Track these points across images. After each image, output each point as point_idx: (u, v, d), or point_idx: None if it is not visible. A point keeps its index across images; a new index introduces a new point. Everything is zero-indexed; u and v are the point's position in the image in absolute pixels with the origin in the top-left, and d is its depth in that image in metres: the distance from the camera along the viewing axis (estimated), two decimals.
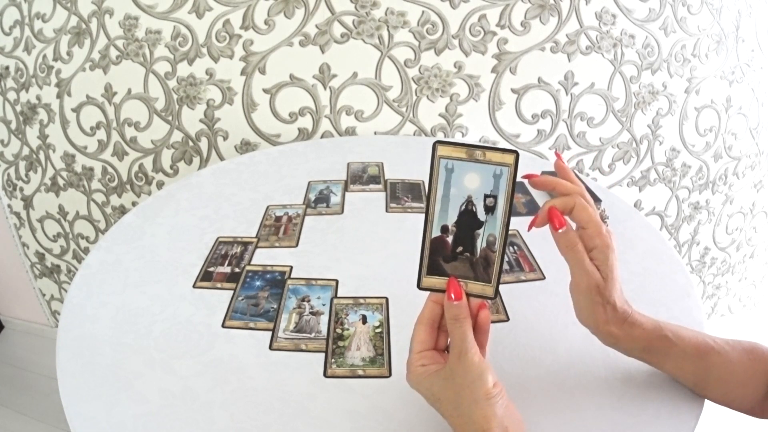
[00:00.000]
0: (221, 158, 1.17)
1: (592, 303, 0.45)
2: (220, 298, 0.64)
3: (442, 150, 0.43)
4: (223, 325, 0.60)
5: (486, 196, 0.43)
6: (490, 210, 0.43)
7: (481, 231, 0.44)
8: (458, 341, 0.42)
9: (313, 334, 0.59)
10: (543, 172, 0.90)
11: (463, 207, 0.43)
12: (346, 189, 0.88)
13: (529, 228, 0.48)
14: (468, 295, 0.44)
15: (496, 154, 0.42)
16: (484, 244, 0.44)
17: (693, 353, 0.48)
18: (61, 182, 1.30)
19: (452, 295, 0.43)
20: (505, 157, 0.42)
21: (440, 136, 1.14)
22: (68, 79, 1.15)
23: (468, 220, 0.44)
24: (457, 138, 1.15)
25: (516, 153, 0.42)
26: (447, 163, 0.43)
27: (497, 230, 0.44)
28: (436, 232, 0.44)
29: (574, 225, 0.47)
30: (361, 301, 0.64)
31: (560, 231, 0.45)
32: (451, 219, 0.44)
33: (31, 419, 1.37)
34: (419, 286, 0.45)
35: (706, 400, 0.50)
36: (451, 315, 0.43)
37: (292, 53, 1.06)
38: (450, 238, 0.44)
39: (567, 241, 0.45)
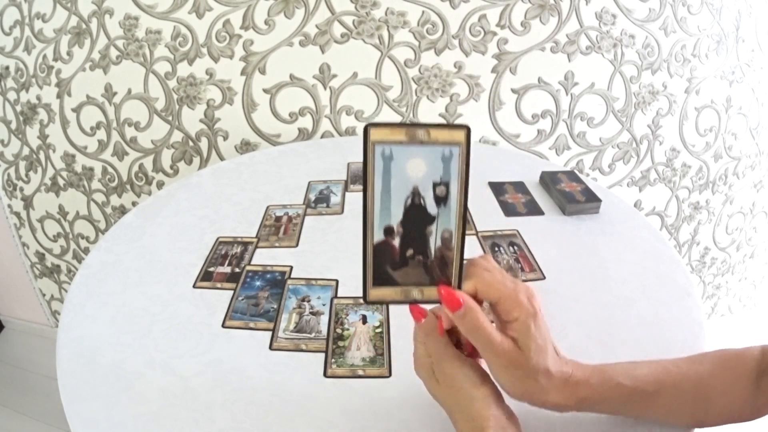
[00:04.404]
0: (221, 158, 1.17)
1: (514, 378, 0.40)
2: (220, 298, 0.64)
3: (376, 133, 0.35)
4: (223, 325, 0.60)
5: (435, 185, 0.36)
6: (441, 201, 0.37)
7: (433, 227, 0.37)
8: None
9: (313, 334, 0.59)
10: (543, 172, 0.90)
11: (409, 201, 0.36)
12: (346, 189, 0.88)
13: (442, 333, 0.42)
14: (426, 302, 0.39)
15: (442, 132, 0.35)
16: (439, 243, 0.37)
17: (656, 390, 0.43)
18: (61, 182, 1.30)
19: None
20: (454, 135, 0.35)
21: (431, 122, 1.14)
22: (68, 79, 1.15)
23: (417, 217, 0.37)
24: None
25: (467, 128, 0.35)
26: (383, 150, 0.35)
27: (453, 223, 0.37)
28: (378, 236, 0.37)
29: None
30: (361, 301, 0.63)
31: (458, 313, 0.38)
32: (396, 217, 0.37)
33: (31, 419, 1.37)
34: (366, 300, 0.39)
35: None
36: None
37: (292, 53, 1.06)
38: (397, 241, 0.37)
39: (468, 324, 0.38)
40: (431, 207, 0.37)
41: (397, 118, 1.12)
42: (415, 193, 0.36)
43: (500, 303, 0.39)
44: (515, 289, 0.39)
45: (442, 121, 1.13)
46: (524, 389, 0.40)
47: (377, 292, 0.39)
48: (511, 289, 0.39)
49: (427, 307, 0.43)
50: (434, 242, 0.38)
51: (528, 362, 0.39)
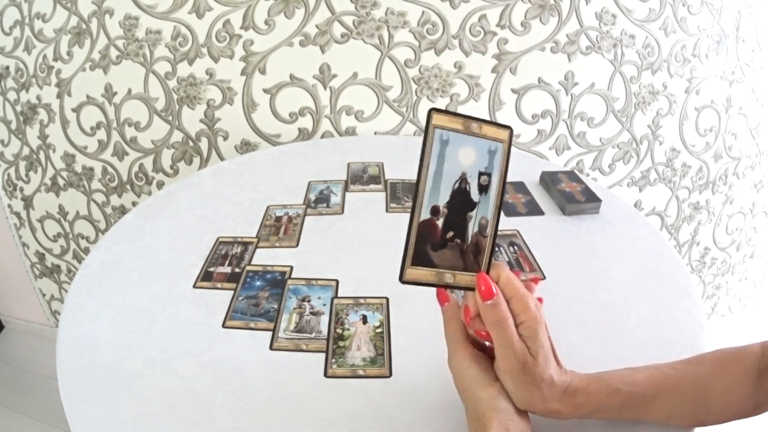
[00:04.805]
0: (221, 158, 1.17)
1: (522, 384, 0.41)
2: (221, 298, 0.64)
3: (438, 119, 0.38)
4: (223, 325, 0.60)
5: (480, 174, 0.39)
6: (483, 189, 0.39)
7: (473, 213, 0.39)
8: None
9: (313, 334, 0.59)
10: (543, 172, 0.90)
11: (457, 185, 0.39)
12: (346, 189, 0.88)
13: (468, 323, 0.43)
14: (456, 288, 0.41)
15: (491, 128, 0.39)
16: (476, 229, 0.40)
17: (654, 394, 0.44)
18: (61, 182, 1.30)
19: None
20: (499, 132, 0.39)
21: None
22: (68, 79, 1.15)
23: (461, 201, 0.39)
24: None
25: (510, 129, 0.39)
26: (442, 134, 0.38)
27: (489, 213, 0.40)
28: (425, 215, 0.39)
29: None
30: (362, 301, 0.64)
31: (488, 303, 0.39)
32: (443, 199, 0.39)
33: (31, 419, 1.37)
34: (402, 279, 0.40)
35: None
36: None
37: (292, 53, 1.06)
38: (440, 222, 0.39)
39: (496, 316, 0.39)
40: (474, 194, 0.39)
41: (398, 119, 1.12)
42: (463, 179, 0.39)
43: (511, 302, 0.40)
44: (526, 295, 0.41)
45: None
46: (528, 397, 0.41)
47: (414, 272, 0.40)
48: (523, 294, 0.41)
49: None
50: (472, 227, 0.40)
51: (536, 368, 0.40)
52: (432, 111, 0.38)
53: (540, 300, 0.42)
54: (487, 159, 0.39)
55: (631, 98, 1.17)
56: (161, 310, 0.62)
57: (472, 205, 0.39)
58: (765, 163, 1.40)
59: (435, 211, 0.39)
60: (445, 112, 0.38)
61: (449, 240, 0.40)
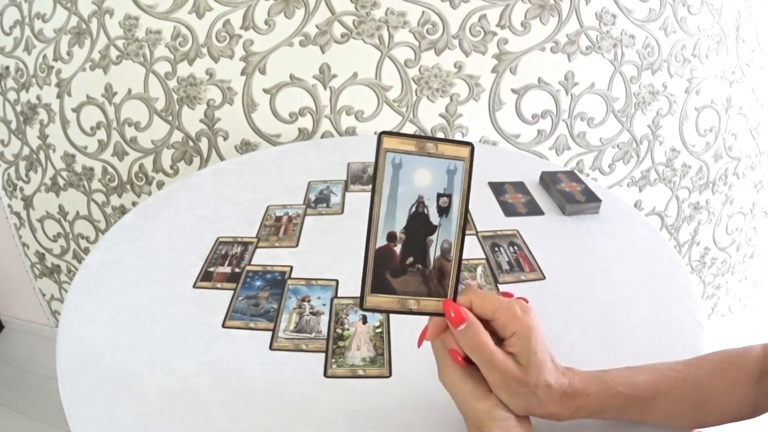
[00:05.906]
0: (221, 158, 1.17)
1: (515, 394, 0.40)
2: (220, 298, 0.64)
3: (388, 142, 0.37)
4: (223, 325, 0.60)
5: (439, 196, 0.38)
6: (444, 212, 0.38)
7: (434, 237, 0.38)
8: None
9: (313, 334, 0.59)
10: (543, 172, 0.90)
11: (414, 209, 0.38)
12: (346, 189, 0.88)
13: (419, 343, 0.42)
14: (421, 314, 0.40)
15: (449, 146, 0.38)
16: (439, 253, 0.39)
17: (654, 396, 0.43)
18: (61, 182, 1.30)
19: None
20: (459, 150, 0.38)
21: (441, 136, 1.14)
22: (68, 79, 1.15)
23: (419, 225, 0.38)
24: (457, 138, 1.15)
25: (471, 145, 0.38)
26: (394, 158, 0.37)
27: (452, 235, 0.38)
28: (381, 241, 0.38)
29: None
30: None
31: (461, 328, 0.38)
32: (399, 224, 0.38)
33: (31, 419, 1.37)
34: (363, 307, 0.39)
35: None
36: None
37: (292, 53, 1.06)
38: (398, 248, 0.38)
39: (470, 341, 0.39)
40: (434, 217, 0.38)
41: (397, 119, 1.12)
42: (420, 202, 0.38)
43: (496, 318, 0.39)
44: (511, 303, 0.40)
45: (441, 121, 1.13)
46: (525, 404, 0.41)
47: (374, 300, 0.39)
48: (507, 303, 0.39)
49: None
50: (434, 252, 0.39)
51: (528, 377, 0.39)
52: (382, 134, 0.37)
53: (525, 300, 0.41)
54: (446, 179, 0.38)
55: (631, 98, 1.17)
56: (161, 310, 0.62)
57: (432, 229, 0.38)
58: (765, 163, 1.40)
59: (391, 237, 0.38)
60: (397, 134, 0.37)
61: (409, 266, 0.39)
